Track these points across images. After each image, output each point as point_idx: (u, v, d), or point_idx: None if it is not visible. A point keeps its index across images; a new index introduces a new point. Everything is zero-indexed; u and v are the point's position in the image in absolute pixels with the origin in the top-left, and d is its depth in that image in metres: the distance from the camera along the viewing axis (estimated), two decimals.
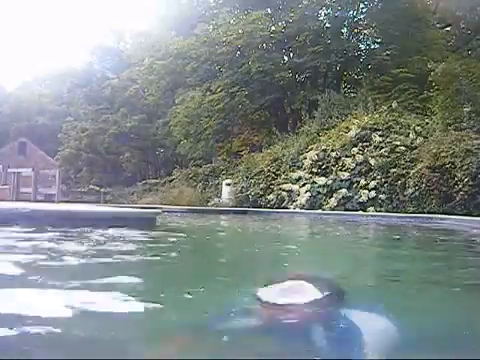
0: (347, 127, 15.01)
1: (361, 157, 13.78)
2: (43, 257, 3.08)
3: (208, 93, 21.16)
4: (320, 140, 15.57)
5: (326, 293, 1.59)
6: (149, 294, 1.95)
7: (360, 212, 12.44)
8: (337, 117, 16.35)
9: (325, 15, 22.94)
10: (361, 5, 22.47)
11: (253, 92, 21.08)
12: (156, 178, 25.57)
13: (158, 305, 1.70)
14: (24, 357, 1.23)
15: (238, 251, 3.60)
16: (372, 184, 13.15)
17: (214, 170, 20.30)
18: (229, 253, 3.37)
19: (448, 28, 23.35)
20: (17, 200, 14.45)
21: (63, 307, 1.64)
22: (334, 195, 13.52)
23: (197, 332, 1.46)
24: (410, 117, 14.87)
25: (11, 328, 1.38)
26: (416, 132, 13.86)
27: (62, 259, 2.98)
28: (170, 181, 21.77)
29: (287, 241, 5.42)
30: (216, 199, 17.37)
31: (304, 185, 14.30)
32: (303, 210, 13.03)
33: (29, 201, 13.65)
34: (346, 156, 14.03)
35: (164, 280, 2.36)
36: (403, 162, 12.98)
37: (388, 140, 13.81)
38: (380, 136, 14.06)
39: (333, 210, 12.94)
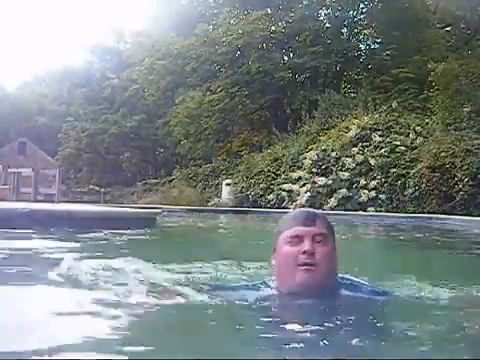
0: (347, 127, 15.02)
1: (361, 157, 13.79)
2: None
3: (208, 93, 21.15)
4: (320, 140, 15.57)
5: None
6: None
7: (360, 212, 12.46)
8: (337, 117, 16.35)
9: (325, 15, 22.96)
10: (361, 5, 22.48)
11: (253, 92, 21.08)
12: (156, 178, 25.51)
13: None
14: (25, 357, 1.23)
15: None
16: (372, 184, 13.16)
17: (214, 170, 20.28)
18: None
19: (448, 28, 23.33)
20: (17, 200, 14.45)
21: None
22: (334, 195, 13.52)
23: None
24: (410, 117, 14.88)
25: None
26: (416, 132, 13.87)
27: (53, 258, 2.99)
28: (170, 181, 21.74)
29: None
30: (216, 199, 17.37)
31: (304, 185, 14.29)
32: None
33: (29, 201, 13.65)
34: (346, 156, 14.03)
35: None
36: (403, 162, 12.99)
37: (388, 140, 13.81)
38: (380, 136, 14.07)
39: (333, 210, 12.94)
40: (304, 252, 1.69)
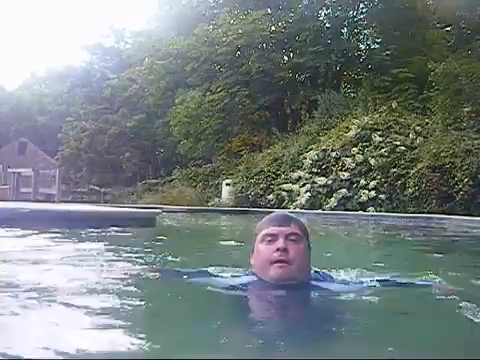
0: (347, 127, 15.01)
1: (361, 157, 13.78)
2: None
3: (208, 93, 21.14)
4: (320, 140, 15.56)
5: None
6: None
7: (360, 212, 12.44)
8: (337, 117, 16.34)
9: (325, 15, 22.94)
10: (361, 5, 22.46)
11: (253, 92, 21.06)
12: (156, 178, 25.50)
13: None
14: (24, 357, 1.23)
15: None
16: (372, 184, 13.14)
17: (214, 170, 20.27)
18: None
19: (448, 28, 23.32)
20: (17, 200, 14.45)
21: None
22: (334, 195, 13.51)
23: None
24: (410, 117, 14.86)
25: None
26: (416, 132, 13.85)
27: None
28: (170, 181, 21.73)
29: None
30: (216, 199, 17.36)
31: (304, 185, 14.29)
32: (303, 210, 13.03)
33: (29, 201, 13.64)
34: (346, 156, 14.02)
35: None
36: (403, 162, 12.98)
37: (388, 140, 13.80)
38: (380, 136, 14.06)
39: (333, 210, 12.94)
40: (278, 249, 1.84)
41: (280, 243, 1.85)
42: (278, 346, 1.38)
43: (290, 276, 1.83)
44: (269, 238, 1.90)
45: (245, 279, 1.99)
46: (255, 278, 1.96)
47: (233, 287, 1.94)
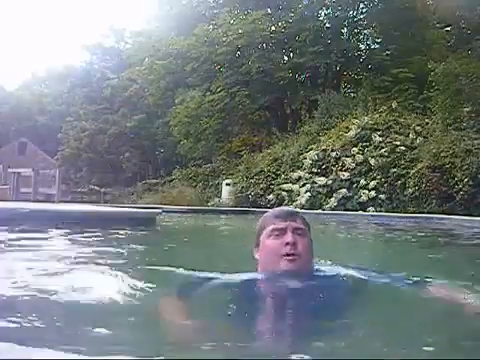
0: (347, 127, 15.01)
1: (361, 157, 13.78)
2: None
3: (208, 93, 21.14)
4: (320, 140, 15.56)
5: None
6: None
7: (360, 212, 12.44)
8: (337, 117, 16.34)
9: (325, 15, 22.94)
10: (361, 5, 22.46)
11: (253, 92, 21.06)
12: (156, 178, 25.52)
13: None
14: (24, 357, 1.23)
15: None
16: (372, 184, 13.14)
17: (214, 170, 20.28)
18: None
19: (448, 28, 23.33)
20: (17, 200, 14.45)
21: None
22: (334, 195, 13.51)
23: None
24: (410, 117, 14.86)
25: None
26: (416, 132, 13.85)
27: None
28: (170, 181, 21.75)
29: None
30: (216, 199, 17.36)
31: (304, 185, 14.29)
32: (303, 210, 13.02)
33: (29, 201, 13.64)
34: (346, 156, 14.02)
35: None
36: (403, 162, 12.97)
37: (388, 140, 13.80)
38: (380, 136, 14.05)
39: (333, 210, 12.94)
40: (287, 243, 1.90)
41: (289, 237, 1.91)
42: (300, 336, 1.44)
43: (300, 269, 1.90)
44: (277, 232, 1.95)
45: (253, 274, 2.02)
46: (263, 272, 1.99)
47: (243, 282, 1.98)
